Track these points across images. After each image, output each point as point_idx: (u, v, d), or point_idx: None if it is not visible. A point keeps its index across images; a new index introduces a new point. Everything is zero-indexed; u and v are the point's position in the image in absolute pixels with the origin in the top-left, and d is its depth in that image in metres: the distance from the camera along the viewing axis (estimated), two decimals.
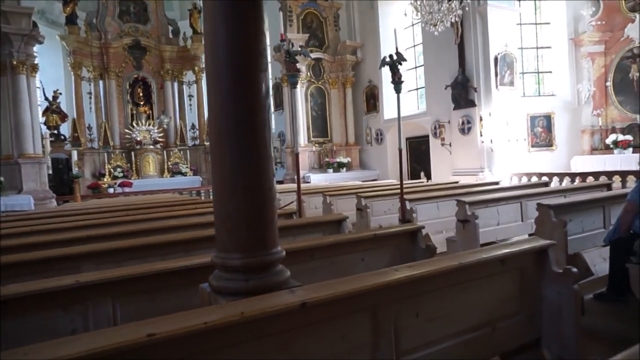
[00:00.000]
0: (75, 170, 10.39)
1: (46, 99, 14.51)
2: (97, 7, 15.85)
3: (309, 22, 13.95)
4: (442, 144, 11.36)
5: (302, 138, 13.61)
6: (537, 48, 11.43)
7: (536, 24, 11.33)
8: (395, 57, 5.38)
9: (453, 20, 7.60)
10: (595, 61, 10.57)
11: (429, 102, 12.07)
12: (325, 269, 2.83)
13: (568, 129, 10.86)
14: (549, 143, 10.89)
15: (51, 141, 14.28)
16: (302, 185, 11.32)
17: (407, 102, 13.64)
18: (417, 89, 13.28)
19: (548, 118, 10.90)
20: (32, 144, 10.07)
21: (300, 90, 13.56)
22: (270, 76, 15.50)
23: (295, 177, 5.08)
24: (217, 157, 1.81)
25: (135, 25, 16.20)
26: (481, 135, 10.26)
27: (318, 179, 13.19)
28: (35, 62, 10.31)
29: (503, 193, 5.57)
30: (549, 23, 11.27)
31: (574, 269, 2.25)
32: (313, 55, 13.79)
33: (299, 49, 4.65)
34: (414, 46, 13.20)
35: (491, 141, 10.22)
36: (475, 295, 2.08)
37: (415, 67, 13.20)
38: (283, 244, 2.92)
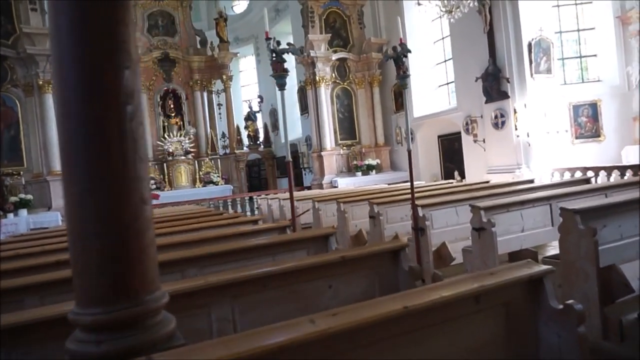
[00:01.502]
0: None
1: None
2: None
3: (331, 22, 13.55)
4: (475, 141, 10.58)
5: (329, 141, 13.20)
6: (579, 30, 10.42)
7: (576, 4, 10.33)
8: (399, 49, 4.86)
9: (471, 4, 6.94)
10: None
11: (460, 96, 11.32)
12: (283, 300, 2.40)
13: (617, 116, 9.79)
14: (595, 133, 9.87)
15: None
16: (321, 192, 10.92)
17: (437, 98, 12.93)
18: (447, 84, 12.53)
19: (594, 106, 9.88)
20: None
21: (325, 93, 13.18)
22: (295, 80, 15.23)
23: (292, 185, 4.69)
24: (65, 178, 1.42)
25: (164, 39, 16.44)
26: (516, 129, 9.44)
27: (346, 183, 12.72)
28: None
29: (528, 195, 4.90)
30: (590, 2, 10.24)
31: (578, 306, 1.70)
32: (337, 56, 13.37)
33: (287, 46, 4.27)
34: (442, 39, 12.47)
35: (528, 135, 9.37)
36: (436, 346, 1.59)
37: (445, 61, 12.46)
38: (233, 271, 2.53)
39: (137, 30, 16.02)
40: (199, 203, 12.90)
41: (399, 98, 13.37)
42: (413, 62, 12.84)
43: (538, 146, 9.43)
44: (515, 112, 9.41)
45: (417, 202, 5.20)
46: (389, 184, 12.01)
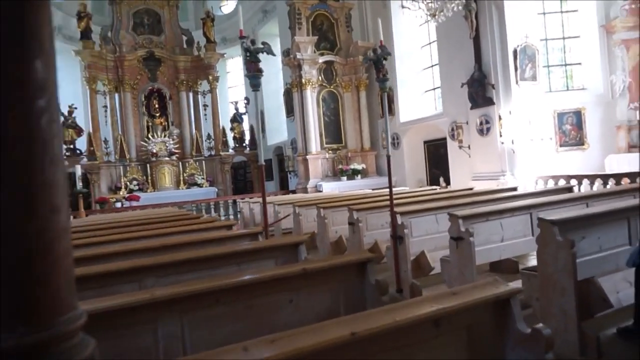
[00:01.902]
0: (79, 185, 10.25)
1: (61, 114, 14.59)
2: (111, 20, 15.96)
3: (319, 24, 13.42)
4: (460, 147, 10.51)
5: (314, 145, 13.05)
6: (564, 38, 10.42)
7: (562, 12, 10.33)
8: (379, 52, 4.73)
9: (455, 9, 6.85)
10: (630, 49, 9.47)
11: (445, 102, 11.25)
12: (237, 316, 2.23)
13: (601, 125, 9.79)
14: (579, 141, 9.85)
15: (67, 156, 14.36)
16: (303, 196, 10.76)
17: (423, 103, 12.86)
18: (434, 89, 12.47)
19: (578, 114, 9.87)
20: None
21: (311, 95, 13.03)
22: (281, 82, 15.08)
23: (264, 190, 4.52)
24: None
25: (150, 37, 16.19)
26: (501, 136, 9.38)
27: (331, 188, 12.57)
28: None
29: (507, 204, 4.79)
30: (576, 10, 10.25)
31: (547, 330, 1.56)
32: (324, 59, 13.25)
33: (261, 46, 4.11)
34: (429, 44, 12.42)
35: (512, 142, 9.31)
36: None
37: (432, 66, 12.40)
38: (182, 284, 2.35)
39: (121, 28, 15.76)
40: (180, 206, 12.64)
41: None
42: (400, 67, 12.80)
43: (522, 153, 9.37)
44: (500, 118, 9.35)
45: (397, 209, 5.06)
46: (373, 189, 11.89)
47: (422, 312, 1.42)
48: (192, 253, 3.16)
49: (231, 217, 13.13)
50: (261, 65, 14.73)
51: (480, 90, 9.63)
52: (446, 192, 7.69)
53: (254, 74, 4.08)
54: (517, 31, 9.27)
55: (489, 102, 9.52)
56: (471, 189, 7.94)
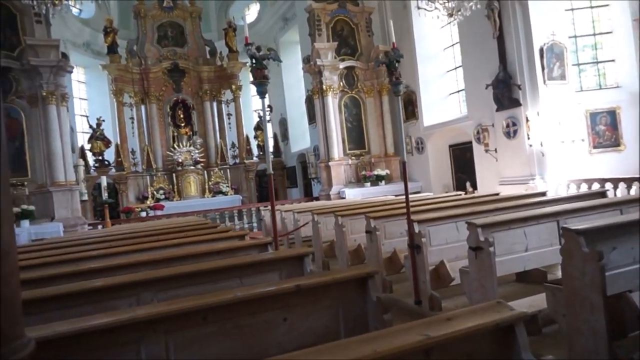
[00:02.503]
0: (105, 195, 10.44)
1: (90, 126, 15.02)
2: (136, 34, 16.33)
3: (339, 30, 13.31)
4: (486, 150, 10.13)
5: (337, 151, 12.89)
6: (595, 35, 9.93)
7: (591, 7, 9.86)
8: (392, 54, 4.55)
9: (473, 7, 6.59)
10: None
11: (470, 104, 10.90)
12: (226, 335, 2.10)
13: (638, 124, 9.23)
14: (615, 142, 9.33)
15: (96, 167, 14.73)
16: (323, 203, 10.59)
17: (448, 106, 12.53)
18: (458, 92, 12.13)
19: (612, 113, 9.35)
20: (63, 172, 10.24)
21: (332, 102, 12.90)
22: (303, 89, 15.03)
23: (274, 199, 4.40)
24: None
25: (174, 49, 16.47)
26: (529, 138, 8.98)
27: (354, 194, 12.37)
28: (65, 91, 10.52)
29: (532, 211, 4.49)
30: (607, 5, 9.75)
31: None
32: (345, 64, 13.11)
33: (268, 52, 4.01)
34: (452, 45, 12.10)
35: (541, 144, 8.90)
36: None
37: (455, 68, 12.08)
38: (166, 303, 2.23)
39: (146, 41, 16.09)
40: (205, 214, 12.71)
41: (409, 107, 13.01)
42: (423, 70, 12.54)
43: (552, 156, 8.94)
44: (527, 120, 8.96)
45: (414, 216, 4.85)
46: (397, 195, 11.62)
47: (407, 343, 1.25)
48: (192, 267, 3.06)
49: (254, 224, 13.11)
50: (283, 73, 14.99)
51: (505, 92, 9.27)
52: (470, 198, 7.39)
53: (260, 80, 3.98)
54: (543, 29, 8.88)
55: (515, 103, 9.15)
56: (497, 194, 7.60)
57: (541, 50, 8.86)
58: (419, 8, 7.07)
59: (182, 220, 8.97)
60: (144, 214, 13.18)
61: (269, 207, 10.80)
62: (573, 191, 8.66)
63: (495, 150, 9.95)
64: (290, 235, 8.76)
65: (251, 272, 3.08)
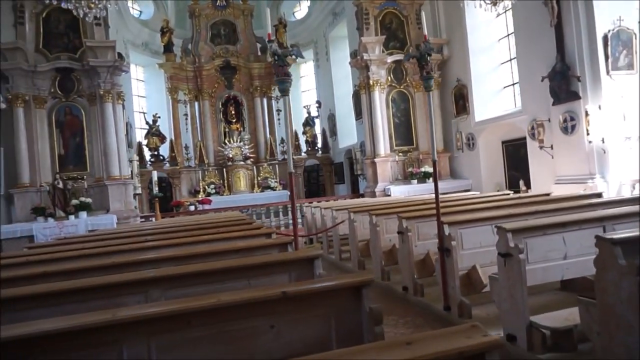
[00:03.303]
0: (155, 190, 10.90)
1: (147, 123, 15.74)
2: (191, 33, 16.88)
3: (387, 23, 12.99)
4: (541, 147, 9.49)
5: (383, 147, 12.62)
6: None
7: None
8: (422, 47, 4.32)
9: None
10: None
11: (525, 98, 10.24)
12: (211, 340, 2.06)
13: None
14: None
15: (151, 162, 15.43)
16: (364, 201, 10.39)
17: (502, 100, 11.88)
18: (513, 84, 11.45)
19: None
20: (118, 166, 10.79)
21: (379, 97, 12.63)
22: (351, 84, 14.85)
23: (294, 197, 4.32)
24: None
25: (226, 47, 16.86)
26: (588, 134, 8.29)
27: (400, 192, 12.07)
28: (120, 90, 11.06)
29: (573, 214, 4.10)
30: None
31: None
32: (393, 58, 12.78)
33: (290, 48, 3.94)
34: (507, 35, 11.43)
35: (602, 140, 8.19)
36: None
37: (510, 60, 11.40)
38: (148, 305, 2.21)
39: (200, 39, 16.59)
40: (251, 210, 12.95)
41: (460, 101, 12.48)
42: (475, 63, 11.98)
43: (615, 154, 8.20)
44: (587, 114, 8.27)
45: (445, 218, 4.60)
46: (445, 193, 11.20)
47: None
48: (199, 266, 3.06)
49: (299, 220, 13.16)
50: (332, 68, 14.87)
51: (563, 84, 8.60)
52: (518, 198, 6.94)
53: (282, 78, 3.91)
54: (608, 14, 8.13)
55: (574, 96, 8.47)
56: (548, 194, 7.09)
57: (605, 37, 8.12)
58: None
59: (223, 215, 9.17)
60: (192, 207, 13.64)
61: (311, 204, 10.82)
62: (637, 192, 7.89)
63: (551, 146, 9.29)
64: (330, 233, 8.70)
65: (260, 273, 3.03)
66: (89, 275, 3.33)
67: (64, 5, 5.49)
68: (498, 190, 10.58)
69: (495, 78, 11.94)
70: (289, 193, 16.67)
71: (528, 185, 10.47)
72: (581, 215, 3.94)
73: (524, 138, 10.42)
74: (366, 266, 7.01)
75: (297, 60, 18.05)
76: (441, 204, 6.58)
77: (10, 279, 3.24)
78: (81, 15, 5.75)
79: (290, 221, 13.31)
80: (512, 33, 10.94)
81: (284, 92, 4.03)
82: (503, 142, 11.63)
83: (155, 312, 1.96)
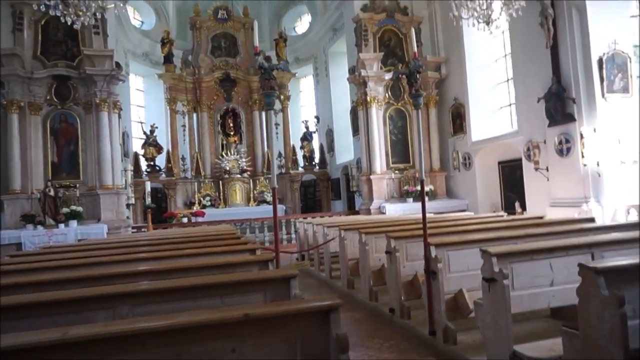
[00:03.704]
0: (148, 200, 10.81)
1: (144, 133, 15.72)
2: (192, 45, 16.96)
3: (386, 40, 13.07)
4: (537, 169, 9.43)
5: (379, 164, 12.58)
6: None
7: None
8: (412, 65, 4.28)
9: (514, 15, 6.11)
10: None
11: (521, 119, 10.22)
12: None
13: None
14: None
15: (147, 172, 15.37)
16: (356, 218, 10.29)
17: (498, 120, 11.86)
18: (510, 105, 11.44)
19: None
20: (111, 175, 10.72)
21: (376, 113, 12.63)
22: (348, 100, 14.87)
23: (277, 213, 4.23)
24: None
25: (226, 59, 16.94)
26: (583, 157, 8.23)
27: (395, 210, 11.97)
28: (117, 99, 11.05)
29: (560, 240, 4.01)
30: None
31: None
32: (391, 75, 12.79)
33: (277, 62, 3.89)
34: (505, 56, 11.46)
35: (597, 164, 8.13)
36: None
37: (507, 80, 11.42)
38: (102, 324, 2.10)
39: (201, 51, 16.66)
40: (244, 223, 12.84)
41: (457, 120, 12.47)
42: (472, 82, 11.99)
43: (610, 178, 8.14)
44: (582, 137, 8.23)
45: (433, 239, 4.50)
46: (439, 213, 11.11)
47: None
48: (170, 282, 2.96)
49: (293, 236, 13.05)
50: (331, 84, 14.87)
51: (558, 106, 8.59)
52: (511, 220, 6.84)
53: (267, 92, 3.86)
54: (603, 37, 8.15)
55: (569, 118, 8.44)
56: (541, 217, 6.99)
57: (600, 60, 8.13)
58: (454, 16, 6.63)
59: (214, 228, 9.07)
60: (185, 219, 13.53)
61: (303, 220, 10.71)
62: (634, 218, 7.81)
63: (547, 168, 9.23)
64: (321, 250, 8.58)
65: (233, 291, 2.93)
66: (61, 288, 3.23)
67: (52, 12, 5.47)
68: (494, 211, 10.49)
69: (493, 98, 11.95)
70: (284, 207, 16.69)
71: (524, 207, 10.38)
72: (569, 241, 3.85)
73: (520, 159, 10.37)
74: (355, 285, 6.88)
75: (297, 74, 18.21)
76: (432, 224, 6.49)
77: None
78: (69, 23, 5.73)
79: (285, 236, 13.25)
80: (509, 53, 10.97)
81: (270, 106, 3.96)
82: (499, 163, 11.58)
83: (107, 331, 1.86)
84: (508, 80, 11.38)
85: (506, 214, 8.42)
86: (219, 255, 4.50)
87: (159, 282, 3.05)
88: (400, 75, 4.67)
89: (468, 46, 12.03)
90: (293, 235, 13.21)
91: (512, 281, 3.53)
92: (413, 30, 4.73)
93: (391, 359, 4.20)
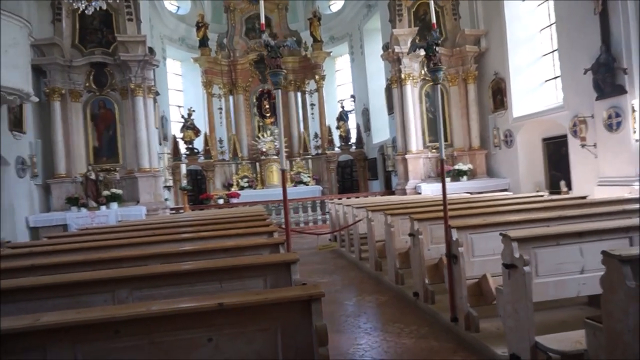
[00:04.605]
0: (184, 182, 11.03)
1: (182, 116, 16.01)
2: (226, 28, 16.99)
3: (421, 14, 12.49)
4: (583, 145, 8.78)
5: (415, 143, 12.18)
6: None
7: None
8: (430, 36, 3.98)
9: None
10: None
11: (566, 92, 9.51)
12: (141, 351, 1.90)
13: None
14: None
15: (186, 155, 15.71)
16: (388, 198, 10.02)
17: (542, 95, 11.13)
18: (554, 78, 10.68)
19: None
20: (147, 159, 11.00)
21: (411, 91, 12.18)
22: (384, 78, 14.45)
23: (286, 194, 4.12)
24: None
25: (260, 41, 16.81)
26: (635, 132, 7.56)
27: (431, 190, 11.59)
28: (151, 84, 11.24)
29: (592, 224, 3.65)
30: None
31: None
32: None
33: (286, 40, 3.73)
34: (550, 25, 10.66)
35: None
36: None
37: (552, 52, 10.64)
38: (74, 311, 2.06)
39: (235, 34, 16.66)
40: (278, 204, 12.90)
41: (498, 95, 11.81)
42: (514, 55, 11.30)
43: None
44: (634, 110, 7.54)
45: (454, 222, 4.26)
46: (479, 193, 10.66)
47: None
48: (168, 267, 2.94)
49: (320, 217, 13.02)
50: (366, 62, 14.49)
51: (608, 77, 7.89)
52: (550, 201, 6.40)
53: (274, 70, 3.71)
54: None
55: (620, 90, 7.74)
56: (584, 197, 6.50)
57: None
58: None
59: (245, 210, 9.14)
60: (221, 201, 13.75)
61: (335, 201, 10.59)
62: None
63: (594, 145, 8.57)
64: (351, 231, 8.45)
65: (232, 276, 2.86)
66: (76, 270, 3.30)
67: None
68: (537, 191, 9.94)
69: (536, 71, 11.20)
70: (321, 188, 16.63)
71: (569, 186, 9.76)
72: (602, 225, 3.50)
73: (566, 135, 9.71)
74: (383, 267, 6.73)
75: (332, 53, 17.86)
76: (461, 205, 6.20)
77: None
78: (82, 8, 5.78)
79: (319, 216, 13.22)
80: (554, 23, 10.19)
81: (277, 85, 3.82)
82: (543, 140, 10.90)
83: (79, 319, 1.83)
84: (553, 51, 10.60)
85: (548, 193, 7.92)
86: (234, 238, 4.47)
87: (157, 266, 3.03)
88: (417, 49, 4.34)
89: (509, 17, 11.28)
90: (320, 217, 13.18)
91: (536, 268, 3.27)
92: (432, 1, 4.37)
93: (409, 344, 4.05)
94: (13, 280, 2.73)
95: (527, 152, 11.26)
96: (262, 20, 3.82)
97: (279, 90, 3.93)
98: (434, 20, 4.12)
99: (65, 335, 1.84)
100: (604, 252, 2.35)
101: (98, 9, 5.94)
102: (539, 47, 11.14)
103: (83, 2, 5.52)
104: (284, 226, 4.13)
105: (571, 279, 3.33)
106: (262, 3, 3.77)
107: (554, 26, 10.34)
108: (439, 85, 4.41)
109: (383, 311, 5.16)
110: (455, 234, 4.09)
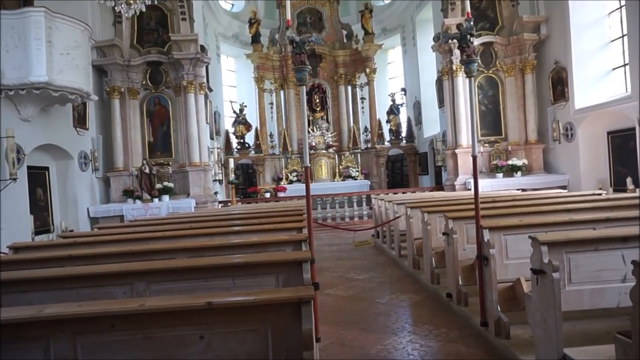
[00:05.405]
0: (232, 177, 11.34)
1: (234, 111, 16.43)
2: (278, 23, 17.18)
3: (476, 2, 11.92)
4: None
5: (466, 137, 11.70)
6: None
7: None
8: (464, 26, 3.77)
9: None
10: None
11: (635, 82, 8.69)
12: (135, 346, 1.97)
13: None
14: None
15: (237, 149, 16.14)
16: (418, 195, 9.68)
17: (608, 84, 10.28)
18: (624, 65, 9.81)
19: None
20: (198, 153, 11.41)
21: (463, 82, 11.69)
22: (434, 70, 14.00)
23: (309, 190, 4.08)
24: None
25: (307, 36, 16.82)
26: None
27: (482, 186, 11.06)
28: (202, 81, 11.62)
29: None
30: None
31: None
32: (481, 40, 11.71)
33: (310, 35, 3.68)
34: (619, 8, 9.79)
35: None
36: None
37: (622, 36, 9.77)
38: (73, 304, 2.15)
39: (286, 29, 16.78)
40: (324, 199, 12.93)
41: (558, 86, 11.06)
42: (577, 42, 10.51)
43: None
44: None
45: (488, 222, 4.04)
46: (533, 190, 10.09)
47: None
48: (184, 262, 3.02)
49: (365, 212, 12.88)
50: (418, 54, 14.11)
51: None
52: (606, 200, 5.91)
53: (299, 66, 3.69)
54: None
55: None
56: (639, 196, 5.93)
57: None
58: None
59: (286, 204, 9.24)
60: (267, 194, 13.98)
61: (379, 196, 10.43)
62: None
63: None
64: (392, 227, 8.29)
65: (245, 273, 2.90)
66: (108, 262, 3.48)
67: (101, 1, 5.80)
68: (600, 188, 9.22)
69: (602, 59, 10.34)
70: (369, 182, 16.47)
71: (637, 183, 8.97)
72: None
73: (634, 128, 8.91)
74: (420, 266, 6.55)
75: (384, 46, 17.54)
76: (507, 203, 5.88)
77: (34, 260, 3.50)
78: (124, 12, 6.05)
79: (365, 211, 13.10)
80: (624, 5, 9.35)
81: (302, 81, 3.79)
82: (608, 133, 10.07)
83: (77, 312, 1.92)
84: (623, 36, 9.73)
85: (612, 191, 7.31)
86: (262, 234, 4.53)
87: (173, 261, 3.13)
88: (450, 40, 4.13)
89: (573, 0, 10.49)
90: (365, 212, 13.04)
91: (569, 274, 3.03)
92: None
93: (435, 347, 3.91)
94: (46, 270, 2.92)
95: (589, 147, 10.47)
96: (288, 17, 3.80)
97: (303, 87, 3.90)
98: (468, 9, 3.90)
99: (65, 327, 1.94)
100: (634, 262, 2.12)
101: (137, 12, 6.17)
102: (607, 32, 10.28)
103: (123, 5, 5.78)
104: (320, 222, 4.11)
105: (611, 287, 3.05)
106: (288, 3, 3.74)
107: (624, 8, 9.49)
108: (472, 79, 4.18)
109: (415, 311, 5.02)
110: (487, 235, 3.88)
